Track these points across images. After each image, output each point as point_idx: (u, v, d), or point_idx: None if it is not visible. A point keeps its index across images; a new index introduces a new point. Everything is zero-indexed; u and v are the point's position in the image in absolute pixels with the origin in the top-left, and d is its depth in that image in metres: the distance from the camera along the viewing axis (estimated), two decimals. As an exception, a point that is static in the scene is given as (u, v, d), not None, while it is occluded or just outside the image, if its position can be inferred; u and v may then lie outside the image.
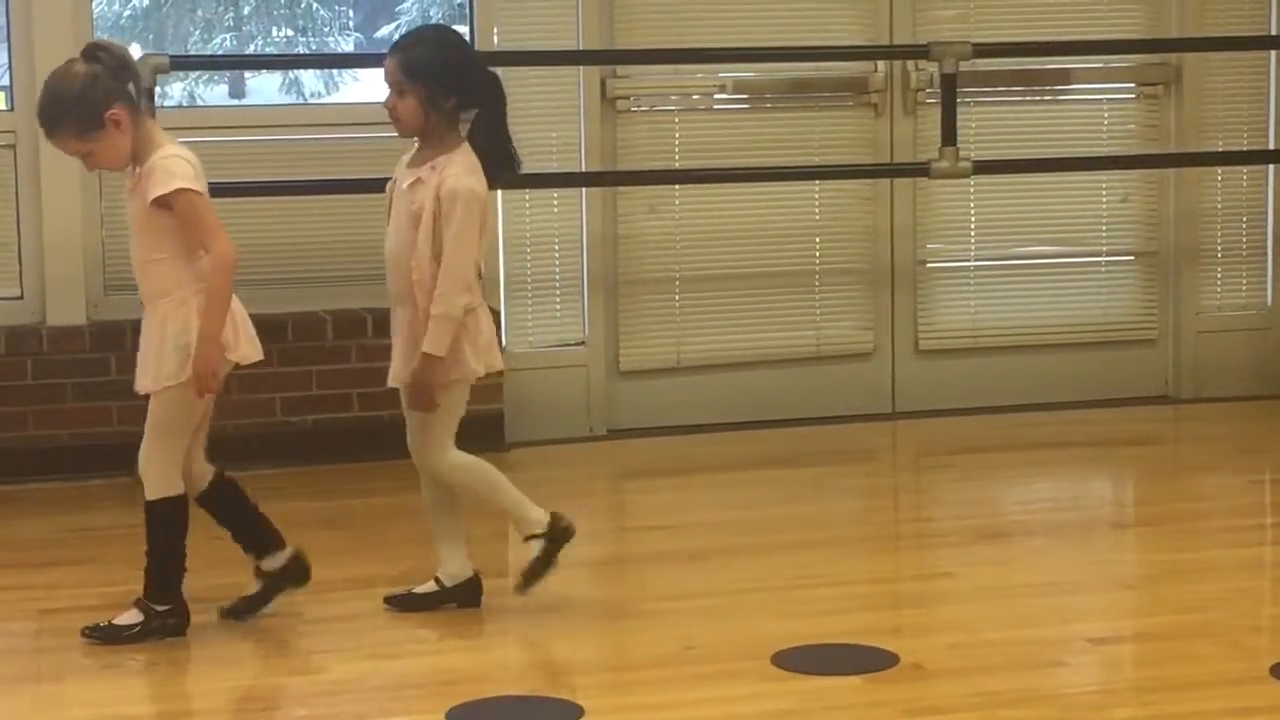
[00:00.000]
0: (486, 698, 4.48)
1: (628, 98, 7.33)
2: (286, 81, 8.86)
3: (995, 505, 6.49)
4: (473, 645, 4.91)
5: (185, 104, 8.10)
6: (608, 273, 7.33)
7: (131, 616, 4.92)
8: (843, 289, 7.61)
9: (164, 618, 4.93)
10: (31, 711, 4.57)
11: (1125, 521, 6.51)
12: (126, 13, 8.79)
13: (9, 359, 6.65)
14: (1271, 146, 7.83)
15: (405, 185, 4.95)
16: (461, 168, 4.90)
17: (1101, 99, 7.85)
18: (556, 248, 7.30)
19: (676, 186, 7.39)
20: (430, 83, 4.90)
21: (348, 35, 9.54)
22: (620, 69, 7.32)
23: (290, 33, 9.60)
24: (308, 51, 9.49)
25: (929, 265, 7.71)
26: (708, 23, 7.34)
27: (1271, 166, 7.87)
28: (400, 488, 6.46)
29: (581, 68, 7.23)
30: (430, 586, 5.13)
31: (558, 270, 7.31)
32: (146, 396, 4.87)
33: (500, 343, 7.05)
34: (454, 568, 5.13)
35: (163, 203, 4.75)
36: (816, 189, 7.54)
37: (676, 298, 7.43)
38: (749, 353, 7.50)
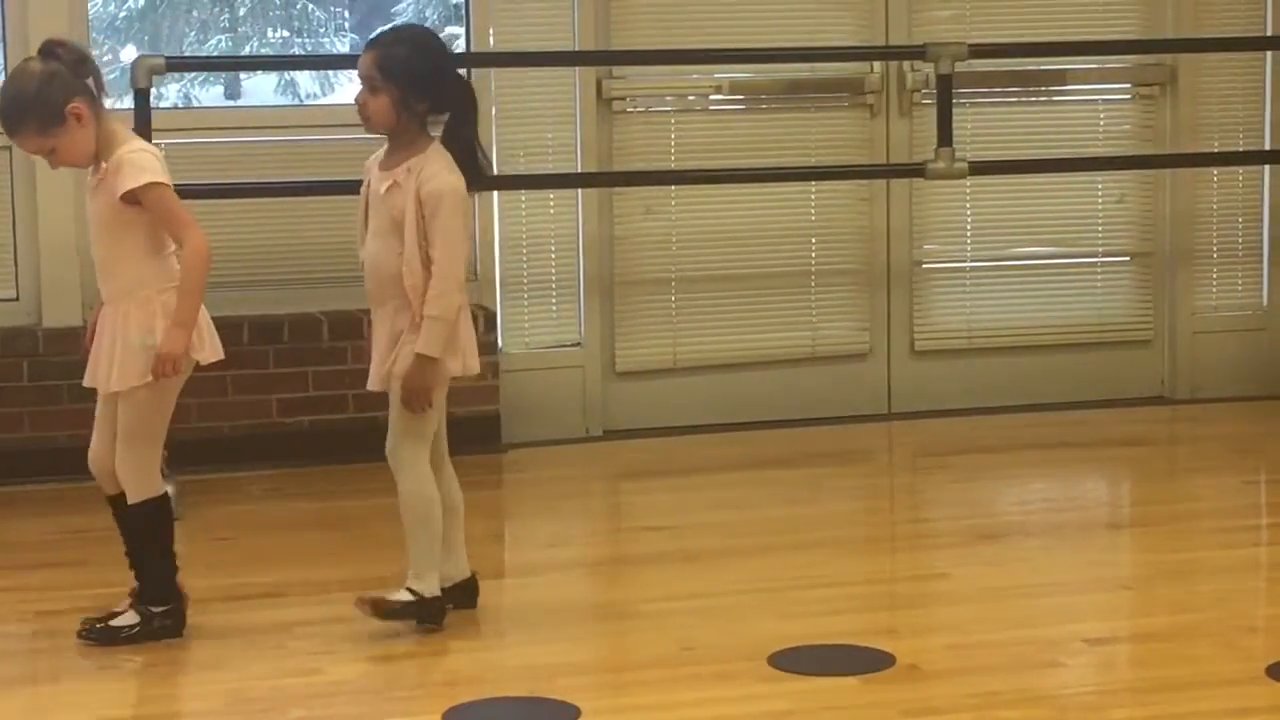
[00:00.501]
0: (484, 699, 4.49)
1: (624, 99, 7.33)
2: (282, 83, 8.86)
3: (991, 506, 6.49)
4: (470, 646, 4.91)
5: (181, 105, 8.10)
6: (604, 274, 7.33)
7: (129, 618, 4.92)
8: (839, 290, 7.61)
9: (162, 619, 4.93)
10: (27, 713, 4.57)
11: (1121, 522, 6.51)
12: (122, 14, 8.78)
13: (5, 360, 6.64)
14: (1267, 147, 7.83)
15: (382, 190, 4.89)
16: (438, 167, 4.84)
17: (1097, 100, 7.85)
18: (552, 248, 7.30)
19: (672, 187, 7.39)
20: (405, 84, 4.84)
21: (343, 36, 9.53)
22: (616, 70, 7.32)
23: (286, 34, 9.59)
24: (303, 53, 9.48)
25: (925, 266, 7.71)
26: (703, 24, 7.34)
27: (1267, 167, 7.87)
28: (395, 490, 6.47)
29: (577, 69, 7.23)
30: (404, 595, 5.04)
31: (554, 271, 7.31)
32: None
33: (496, 344, 7.09)
34: (448, 569, 5.10)
35: (132, 198, 4.73)
36: (812, 190, 7.55)
37: (673, 298, 7.43)
38: (745, 353, 7.50)
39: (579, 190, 7.27)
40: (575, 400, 7.32)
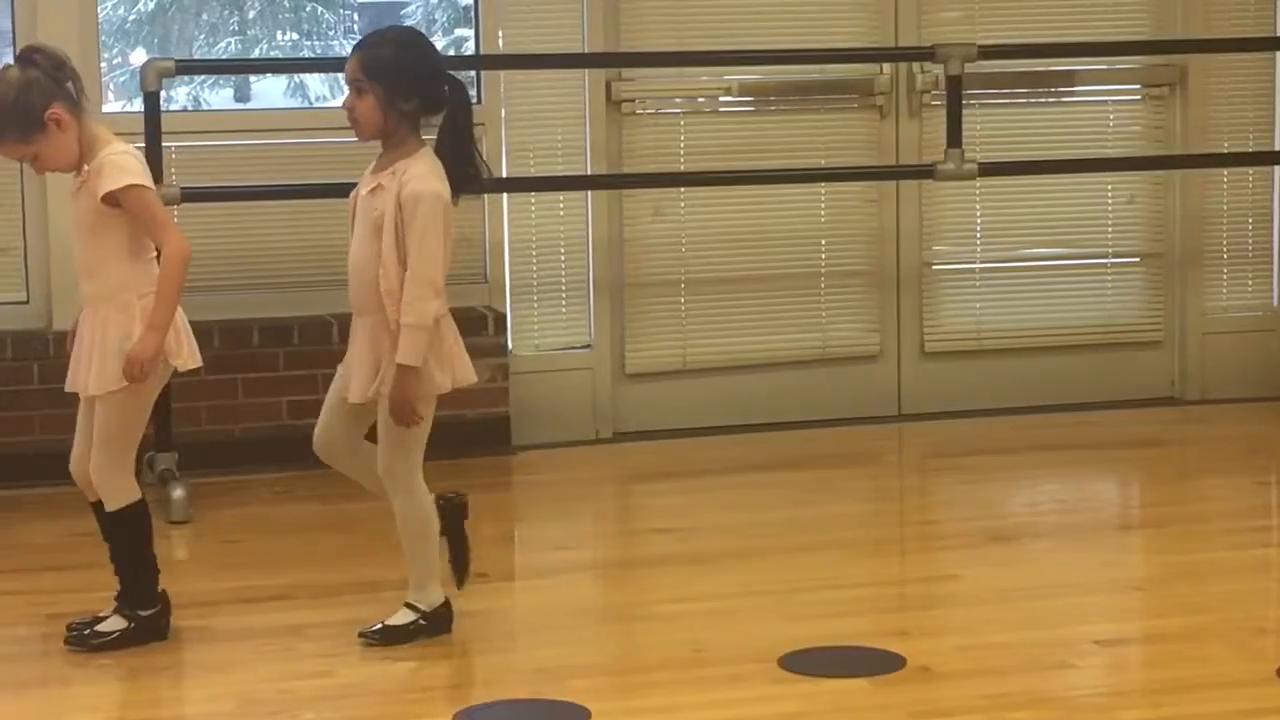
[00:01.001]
0: (494, 701, 4.49)
1: (633, 100, 7.33)
2: (291, 85, 8.86)
3: (1002, 507, 6.49)
4: (480, 648, 4.91)
5: (190, 108, 8.11)
6: (613, 275, 7.33)
7: (114, 623, 4.92)
8: (848, 291, 7.61)
9: (153, 621, 4.93)
10: (39, 716, 4.58)
11: (1132, 523, 6.51)
12: (131, 17, 8.79)
13: (16, 364, 6.65)
14: (1277, 148, 7.82)
15: (365, 192, 4.85)
16: (422, 171, 4.77)
17: (1107, 101, 7.85)
18: (562, 251, 7.30)
19: (682, 189, 7.39)
20: (390, 82, 4.78)
21: (352, 39, 9.52)
22: (626, 72, 7.32)
23: (295, 37, 9.60)
24: (312, 55, 9.49)
25: (935, 267, 7.71)
26: (713, 26, 7.34)
27: (1277, 168, 7.86)
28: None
29: (587, 71, 7.23)
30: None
31: (563, 273, 7.31)
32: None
33: (506, 346, 7.09)
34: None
35: (112, 200, 4.73)
36: (822, 191, 7.54)
37: (682, 300, 7.43)
38: (755, 355, 7.50)
39: (588, 192, 7.27)
40: (585, 402, 7.32)
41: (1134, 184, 7.84)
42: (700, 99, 7.48)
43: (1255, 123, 7.83)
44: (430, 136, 4.90)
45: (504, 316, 7.13)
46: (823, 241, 7.57)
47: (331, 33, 9.55)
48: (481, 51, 7.23)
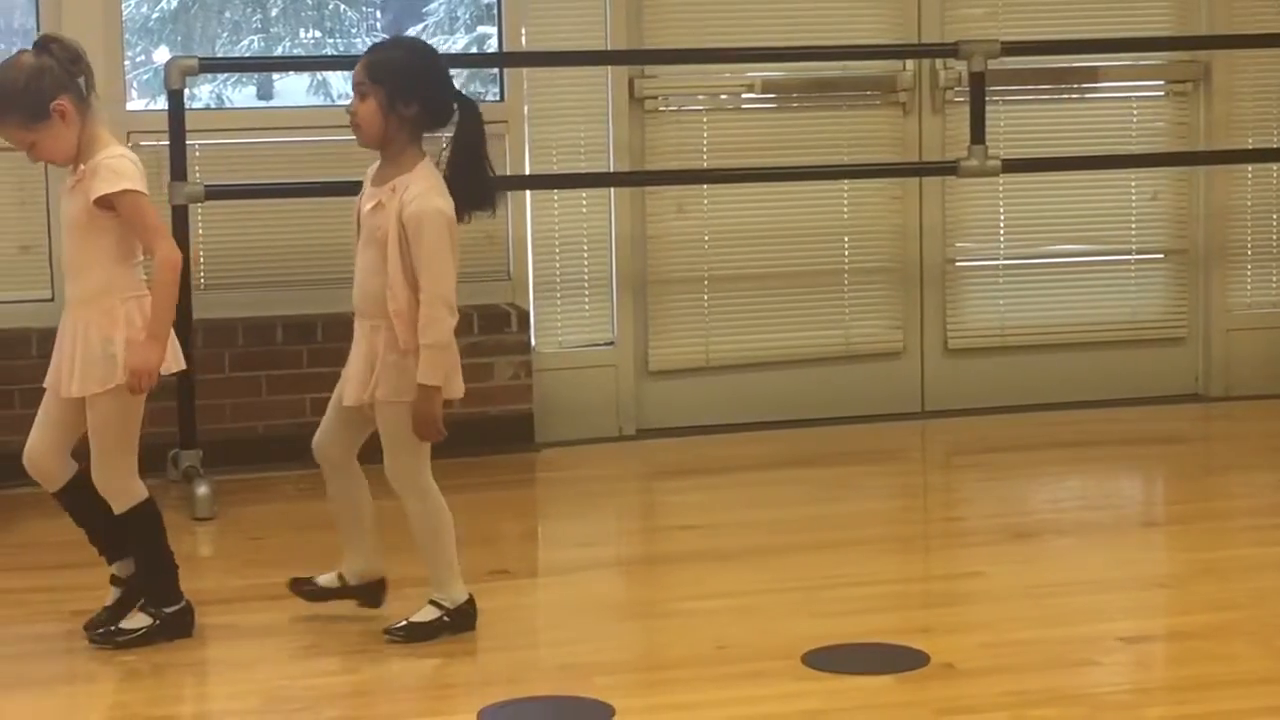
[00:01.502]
0: (518, 698, 4.49)
1: (656, 98, 7.33)
2: (314, 83, 8.87)
3: (1025, 504, 6.48)
4: (504, 645, 4.91)
5: (213, 105, 8.12)
6: (636, 273, 7.33)
7: (138, 620, 4.93)
8: (871, 288, 7.60)
9: (177, 617, 4.94)
10: (64, 712, 4.59)
11: (1155, 520, 6.50)
12: (155, 15, 8.80)
13: (40, 361, 6.59)
14: (1301, 144, 7.82)
15: (367, 208, 4.83)
16: (422, 188, 4.76)
17: (1131, 97, 7.83)
18: (585, 248, 7.30)
19: (705, 186, 7.39)
20: (391, 83, 4.77)
21: (375, 37, 9.53)
22: (648, 69, 7.32)
23: (318, 34, 9.60)
24: (335, 53, 9.49)
25: (958, 264, 7.70)
26: (735, 22, 7.34)
27: (1301, 164, 7.85)
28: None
29: (610, 68, 7.23)
30: (331, 580, 5.06)
31: (586, 270, 7.31)
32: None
33: (530, 343, 7.10)
34: (358, 566, 5.07)
35: (106, 203, 4.73)
36: (845, 188, 7.54)
37: (705, 297, 7.43)
38: (778, 352, 7.50)
39: (611, 189, 7.27)
40: (608, 399, 7.32)
41: (1158, 180, 7.82)
42: (723, 96, 7.48)
43: (1279, 119, 7.81)
44: (430, 149, 4.90)
45: (527, 314, 7.13)
46: (845, 238, 7.56)
47: (354, 30, 9.55)
48: (504, 49, 7.24)
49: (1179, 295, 7.88)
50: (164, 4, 8.86)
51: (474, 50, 8.15)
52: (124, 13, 6.99)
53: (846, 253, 7.57)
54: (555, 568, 5.92)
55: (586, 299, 7.32)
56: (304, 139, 7.07)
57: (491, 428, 6.97)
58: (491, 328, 7.01)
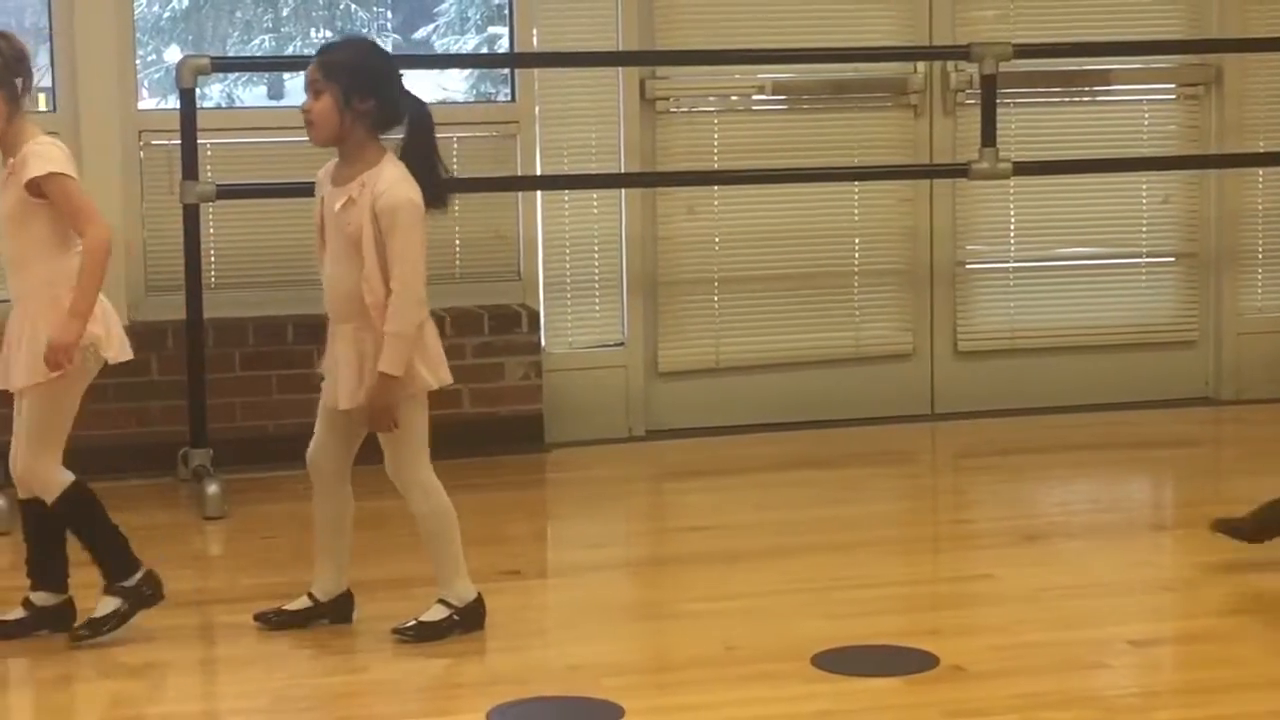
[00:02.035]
0: (527, 698, 4.49)
1: (667, 99, 7.33)
2: (325, 82, 8.88)
3: (1035, 507, 6.47)
4: (513, 646, 4.91)
5: (224, 105, 8.12)
6: (647, 273, 7.34)
7: (108, 605, 4.92)
8: (882, 290, 7.60)
9: (138, 589, 4.93)
10: (70, 711, 4.60)
11: (1166, 523, 6.49)
12: (166, 14, 8.80)
13: (51, 359, 6.65)
14: (1313, 148, 7.81)
15: (337, 207, 4.83)
16: (392, 179, 4.77)
17: (1142, 100, 7.83)
18: (596, 248, 7.30)
19: (715, 187, 7.39)
20: (346, 80, 4.78)
21: (386, 36, 9.54)
22: (659, 70, 7.32)
23: (329, 34, 9.60)
24: (346, 53, 9.50)
25: (968, 266, 7.70)
26: (746, 24, 7.34)
27: (1313, 168, 7.84)
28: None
29: (621, 69, 7.23)
30: (303, 602, 5.03)
31: (597, 271, 7.31)
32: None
33: (540, 343, 7.10)
34: (329, 584, 5.04)
35: (36, 188, 4.74)
36: (856, 190, 7.54)
37: (715, 298, 7.43)
38: (788, 353, 7.49)
39: (622, 190, 7.27)
40: (618, 400, 7.32)
41: (1169, 183, 7.82)
42: (734, 97, 7.48)
43: (1291, 122, 7.81)
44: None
45: (537, 314, 7.14)
46: (856, 240, 7.56)
47: (366, 30, 9.55)
48: (515, 49, 7.24)
49: (1190, 298, 7.87)
50: (175, 3, 8.87)
51: (485, 51, 8.14)
52: (135, 12, 6.99)
53: (857, 254, 7.56)
54: (565, 568, 5.92)
55: (597, 300, 7.32)
56: (315, 138, 7.06)
57: (501, 428, 6.97)
58: (502, 328, 7.01)
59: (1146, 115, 7.81)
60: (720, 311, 7.44)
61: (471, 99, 7.98)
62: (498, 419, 6.98)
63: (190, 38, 8.84)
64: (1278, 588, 5.35)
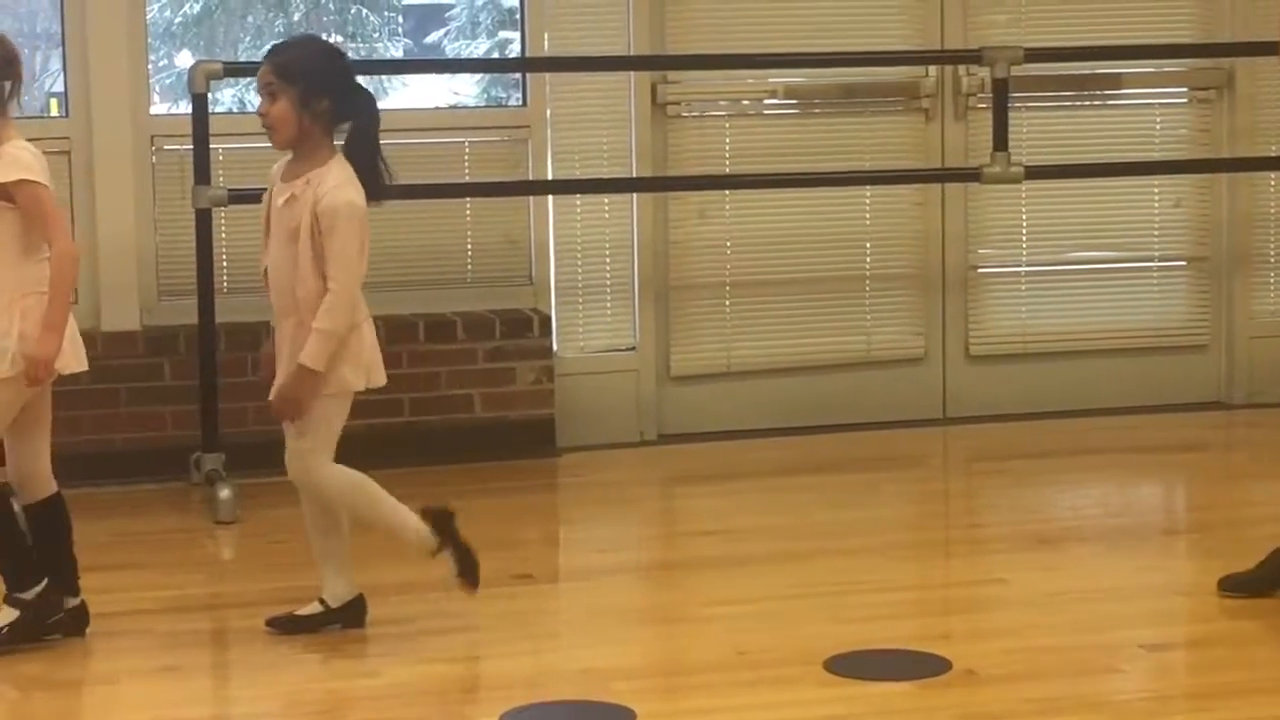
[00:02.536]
0: (539, 702, 4.49)
1: (678, 103, 7.33)
2: (336, 87, 8.89)
3: (1047, 511, 6.47)
4: (525, 650, 4.91)
5: (235, 110, 8.13)
6: (658, 278, 7.34)
7: (6, 615, 4.92)
8: (893, 294, 7.60)
9: (36, 604, 4.91)
10: (86, 715, 4.60)
11: (1178, 527, 6.49)
12: (178, 19, 8.82)
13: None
14: (1325, 151, 7.80)
15: (280, 202, 4.87)
16: (337, 181, 4.81)
17: (1154, 104, 7.82)
18: (607, 253, 7.30)
19: (727, 192, 7.39)
20: (302, 81, 4.82)
21: (397, 41, 9.55)
22: (671, 74, 7.32)
23: (340, 39, 9.62)
24: (357, 57, 9.51)
25: (980, 270, 7.70)
26: (758, 28, 7.34)
27: (1325, 172, 7.83)
28: (449, 493, 6.48)
29: (632, 73, 7.23)
30: (315, 608, 5.03)
31: (608, 275, 7.31)
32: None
33: (551, 348, 7.10)
34: (339, 589, 5.04)
35: (5, 193, 4.74)
36: (867, 194, 7.53)
37: (727, 303, 7.43)
38: (799, 358, 7.49)
39: (633, 195, 7.27)
40: (629, 404, 7.32)
41: (1180, 187, 7.81)
42: (745, 101, 7.48)
43: (1302, 126, 7.80)
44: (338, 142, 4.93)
45: (549, 318, 7.14)
46: (867, 244, 7.56)
47: (376, 35, 9.56)
48: (527, 54, 7.24)
49: (1201, 302, 7.87)
50: (187, 8, 8.88)
51: (496, 55, 8.15)
52: (147, 17, 7.00)
53: (868, 259, 7.56)
54: (576, 572, 5.92)
55: (608, 304, 7.32)
56: (327, 143, 7.07)
57: (513, 432, 6.97)
58: (513, 333, 7.02)
59: (1158, 119, 7.80)
60: (732, 316, 7.43)
61: (483, 103, 7.99)
62: (509, 423, 6.98)
63: (202, 43, 8.86)
64: (1290, 592, 5.34)
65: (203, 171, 6.47)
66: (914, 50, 7.52)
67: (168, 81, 8.06)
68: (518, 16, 7.30)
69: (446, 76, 8.35)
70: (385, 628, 5.01)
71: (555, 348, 7.17)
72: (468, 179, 7.17)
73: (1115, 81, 7.78)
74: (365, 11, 9.54)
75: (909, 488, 6.89)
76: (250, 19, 9.04)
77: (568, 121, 7.23)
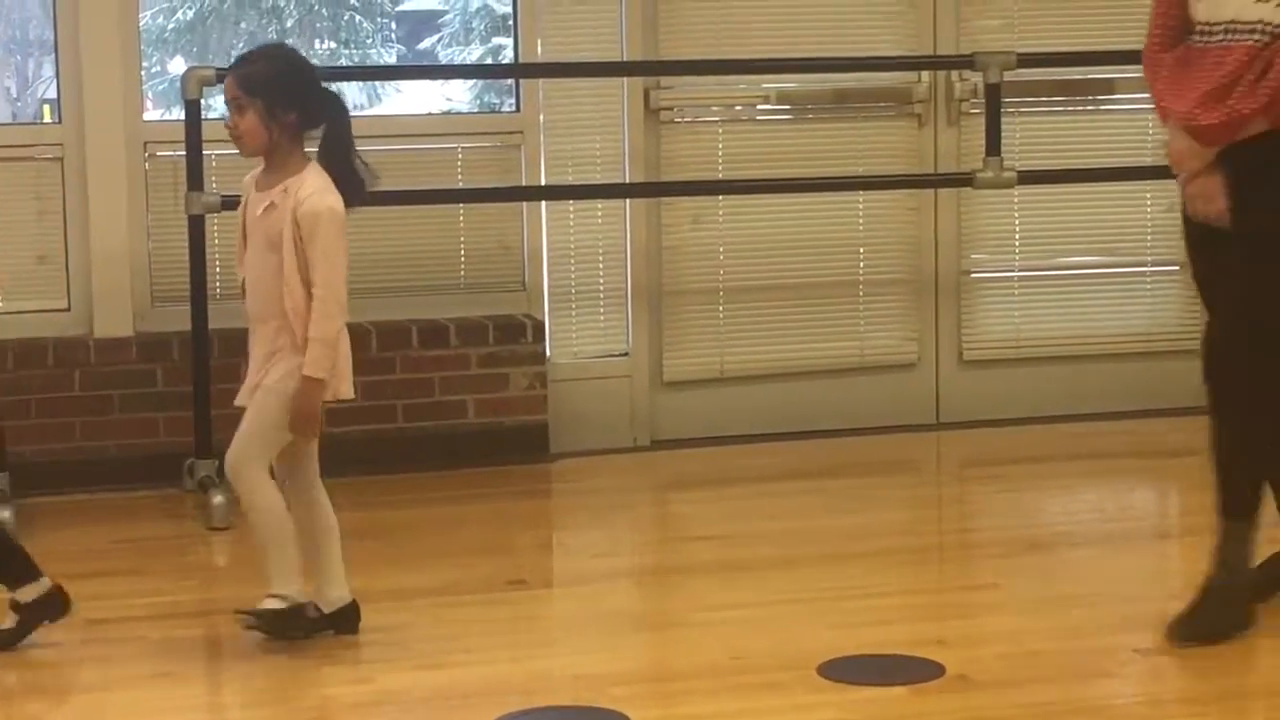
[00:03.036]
0: (533, 708, 4.49)
1: (671, 109, 7.33)
2: (330, 93, 8.90)
3: (1040, 516, 6.48)
4: (519, 655, 4.91)
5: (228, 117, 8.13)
6: (651, 283, 7.34)
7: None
8: (887, 299, 7.60)
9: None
10: (79, 721, 4.60)
11: (1171, 532, 6.49)
12: (171, 26, 8.83)
13: (57, 371, 6.67)
14: (1317, 156, 7.79)
15: (259, 212, 4.88)
16: (315, 187, 4.83)
17: (1146, 109, 7.77)
18: (600, 258, 7.30)
19: (720, 197, 7.40)
20: (269, 95, 4.83)
21: (390, 47, 9.57)
22: (664, 80, 7.32)
23: (333, 45, 9.63)
24: (350, 64, 9.52)
25: (973, 275, 7.70)
26: (751, 34, 7.34)
27: (1317, 176, 7.82)
28: (443, 499, 6.49)
29: (625, 79, 7.23)
30: (276, 604, 4.99)
31: (601, 281, 7.31)
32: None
33: (544, 354, 7.10)
34: (330, 594, 5.02)
35: None
36: (860, 199, 7.54)
37: (720, 308, 7.43)
38: (793, 363, 7.49)
39: (626, 200, 7.28)
40: (623, 410, 7.32)
41: (1173, 192, 7.79)
42: (738, 107, 7.48)
43: (1295, 131, 7.79)
44: (312, 149, 4.94)
45: (542, 324, 7.14)
46: (861, 250, 7.56)
47: (369, 41, 9.58)
48: (520, 60, 7.25)
49: (1194, 307, 7.84)
50: (180, 15, 8.89)
51: (489, 61, 8.16)
52: (140, 23, 7.00)
53: (861, 264, 7.57)
54: (570, 578, 5.92)
55: (601, 310, 7.33)
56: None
57: (506, 438, 6.97)
58: (506, 338, 7.02)
59: (1151, 124, 7.80)
60: (725, 321, 7.44)
61: (476, 109, 8.00)
62: (503, 429, 6.98)
63: (195, 49, 8.88)
64: (1284, 596, 5.34)
65: (196, 177, 6.47)
66: (907, 56, 7.52)
67: (161, 88, 8.08)
68: (510, 22, 7.30)
69: (439, 82, 8.36)
70: (377, 634, 5.01)
71: (549, 353, 7.17)
72: (461, 185, 7.17)
73: (1108, 87, 7.78)
74: (358, 18, 9.56)
75: (902, 493, 6.90)
76: (243, 25, 9.06)
77: (561, 127, 7.23)
